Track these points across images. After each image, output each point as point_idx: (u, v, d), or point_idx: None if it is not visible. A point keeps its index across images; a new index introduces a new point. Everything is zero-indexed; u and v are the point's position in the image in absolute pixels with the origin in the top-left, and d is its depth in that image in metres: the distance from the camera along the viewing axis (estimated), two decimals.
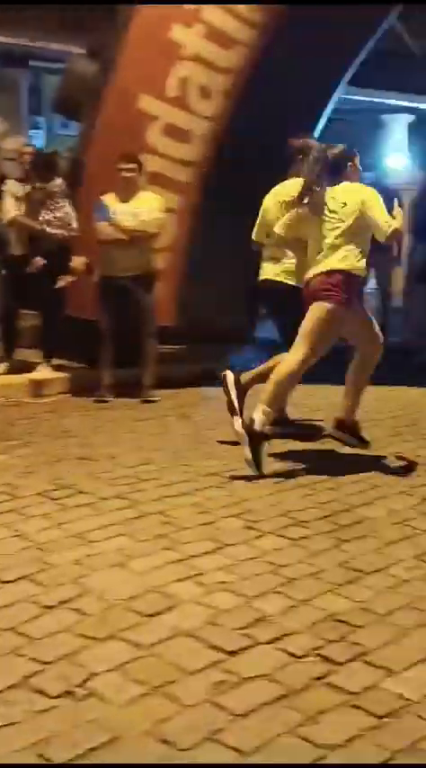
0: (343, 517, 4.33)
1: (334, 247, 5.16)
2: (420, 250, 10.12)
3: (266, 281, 5.97)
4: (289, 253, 5.73)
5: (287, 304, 5.64)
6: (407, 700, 2.72)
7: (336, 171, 5.32)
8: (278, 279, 5.86)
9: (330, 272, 5.14)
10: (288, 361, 5.19)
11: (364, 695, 2.74)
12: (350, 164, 5.41)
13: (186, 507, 4.42)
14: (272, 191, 6.03)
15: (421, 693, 2.74)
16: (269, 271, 5.94)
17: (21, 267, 7.72)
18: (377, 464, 5.28)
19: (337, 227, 5.16)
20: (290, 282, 5.72)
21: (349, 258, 5.16)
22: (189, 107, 7.72)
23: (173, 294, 7.81)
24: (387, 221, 5.08)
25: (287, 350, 5.32)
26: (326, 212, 5.20)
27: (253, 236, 6.12)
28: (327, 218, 5.20)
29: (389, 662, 2.93)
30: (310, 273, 5.22)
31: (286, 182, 5.94)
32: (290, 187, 5.71)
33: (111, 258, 7.32)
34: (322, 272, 5.15)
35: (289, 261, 5.76)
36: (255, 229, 6.10)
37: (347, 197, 5.21)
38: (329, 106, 8.41)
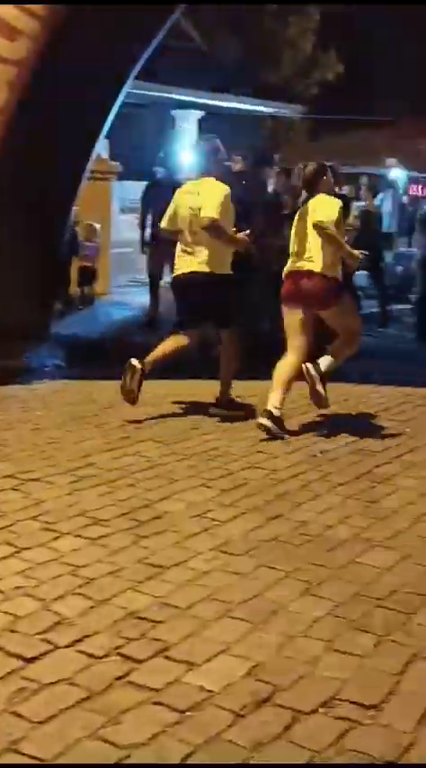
0: (142, 513, 4.31)
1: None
2: None
3: (192, 272, 6.26)
4: (201, 245, 6.19)
5: (216, 290, 6.19)
6: (209, 692, 2.74)
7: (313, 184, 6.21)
8: (202, 270, 6.21)
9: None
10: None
11: (166, 691, 2.73)
12: (324, 177, 6.17)
13: None
14: (184, 188, 6.50)
15: (222, 684, 2.77)
16: (190, 263, 6.27)
17: None
18: (175, 458, 5.30)
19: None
20: (215, 272, 6.21)
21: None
22: None
23: None
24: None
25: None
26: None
27: (163, 225, 6.57)
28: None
29: (190, 655, 2.94)
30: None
31: (197, 180, 6.41)
32: (203, 185, 6.27)
33: None
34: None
35: (204, 253, 6.19)
36: (166, 220, 6.49)
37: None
38: (118, 101, 8.38)
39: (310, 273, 5.90)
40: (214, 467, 5.14)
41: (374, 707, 2.69)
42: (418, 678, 2.88)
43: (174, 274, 6.51)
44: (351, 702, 2.71)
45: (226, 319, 6.35)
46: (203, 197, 6.15)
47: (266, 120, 22.79)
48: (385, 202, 15.79)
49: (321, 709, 2.67)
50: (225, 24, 22.78)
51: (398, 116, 20.76)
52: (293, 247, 6.08)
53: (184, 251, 6.30)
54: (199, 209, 6.08)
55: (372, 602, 3.40)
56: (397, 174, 15.50)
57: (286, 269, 6.11)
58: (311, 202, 6.05)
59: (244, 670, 2.87)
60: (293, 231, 6.12)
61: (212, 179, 6.31)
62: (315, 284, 5.89)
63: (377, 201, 14.71)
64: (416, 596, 3.47)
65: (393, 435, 5.92)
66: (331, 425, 6.11)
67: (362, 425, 6.16)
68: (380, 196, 15.90)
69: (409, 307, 12.99)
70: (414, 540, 4.06)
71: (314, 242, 5.91)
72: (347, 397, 7.02)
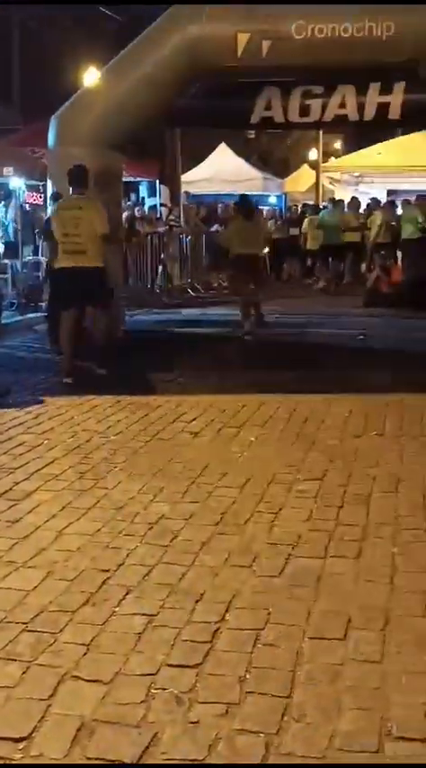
0: None
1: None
2: None
3: (82, 267, 8.46)
4: (91, 246, 8.44)
5: (99, 280, 8.63)
6: None
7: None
8: (93, 264, 8.48)
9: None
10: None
11: None
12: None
13: None
14: (60, 204, 9.01)
15: None
16: (80, 259, 8.46)
17: None
18: None
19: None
20: (99, 265, 8.56)
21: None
22: None
23: None
24: None
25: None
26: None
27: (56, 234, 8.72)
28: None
29: None
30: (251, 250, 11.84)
31: (68, 197, 8.90)
32: (74, 201, 8.71)
33: None
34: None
35: (92, 251, 8.45)
36: (55, 229, 8.75)
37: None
38: None
39: None
40: None
41: (24, 738, 2.62)
42: (68, 699, 2.85)
43: (63, 266, 8.61)
44: (1, 738, 2.61)
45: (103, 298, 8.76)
46: (87, 211, 8.48)
47: None
48: (9, 211, 15.66)
49: None
50: None
51: (12, 124, 20.65)
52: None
53: (76, 251, 8.43)
54: (88, 220, 8.41)
55: (18, 628, 3.32)
56: (16, 182, 15.42)
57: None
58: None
59: None
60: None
61: (87, 197, 8.70)
62: None
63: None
64: (62, 614, 3.44)
65: (30, 449, 5.85)
66: None
67: None
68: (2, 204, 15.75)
69: (41, 315, 12.96)
70: (57, 556, 4.02)
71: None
72: None
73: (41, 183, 14.45)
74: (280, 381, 8.18)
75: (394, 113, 13.07)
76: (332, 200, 20.17)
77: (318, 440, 6.08)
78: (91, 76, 14.24)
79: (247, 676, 2.99)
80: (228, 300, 14.55)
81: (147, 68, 10.73)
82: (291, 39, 10.34)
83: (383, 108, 13.01)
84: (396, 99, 12.92)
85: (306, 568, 3.87)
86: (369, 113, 13.08)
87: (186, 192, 21.34)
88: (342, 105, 13.07)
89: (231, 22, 10.52)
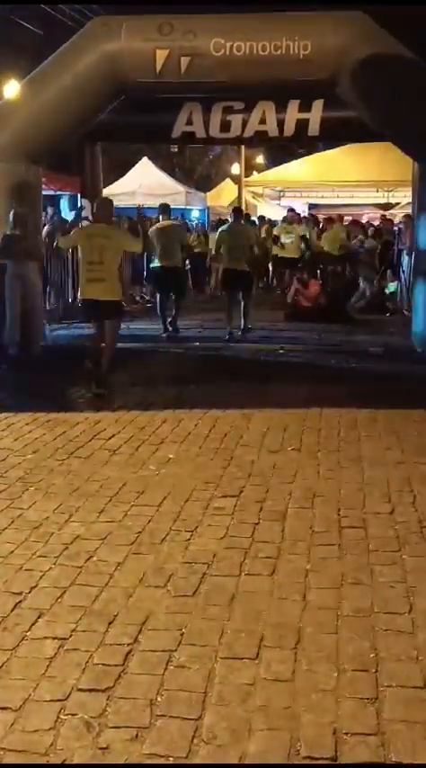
0: None
1: None
2: None
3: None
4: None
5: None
6: None
7: None
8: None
9: None
10: None
11: None
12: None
13: None
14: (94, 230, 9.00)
15: None
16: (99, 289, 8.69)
17: None
18: None
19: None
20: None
21: None
22: None
23: None
24: None
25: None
26: None
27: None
28: None
29: None
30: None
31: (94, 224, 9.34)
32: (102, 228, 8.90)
33: None
34: None
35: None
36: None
37: None
38: None
39: None
40: None
41: None
42: None
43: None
44: None
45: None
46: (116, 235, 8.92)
47: None
48: None
49: None
50: None
51: None
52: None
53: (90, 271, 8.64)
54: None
55: None
56: None
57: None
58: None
59: None
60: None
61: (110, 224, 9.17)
62: None
63: None
64: None
65: None
66: None
67: None
68: None
69: None
70: None
71: None
72: None
73: None
74: (201, 396, 8.20)
75: (314, 130, 13.30)
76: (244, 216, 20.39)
77: (236, 456, 6.10)
78: (11, 89, 14.14)
79: (158, 699, 2.98)
80: (151, 315, 14.59)
81: (66, 82, 10.70)
82: (209, 56, 10.41)
83: (302, 124, 13.23)
84: (315, 116, 13.15)
85: (221, 587, 3.87)
86: (289, 129, 13.29)
87: None
88: (263, 121, 13.26)
89: (149, 38, 10.54)
